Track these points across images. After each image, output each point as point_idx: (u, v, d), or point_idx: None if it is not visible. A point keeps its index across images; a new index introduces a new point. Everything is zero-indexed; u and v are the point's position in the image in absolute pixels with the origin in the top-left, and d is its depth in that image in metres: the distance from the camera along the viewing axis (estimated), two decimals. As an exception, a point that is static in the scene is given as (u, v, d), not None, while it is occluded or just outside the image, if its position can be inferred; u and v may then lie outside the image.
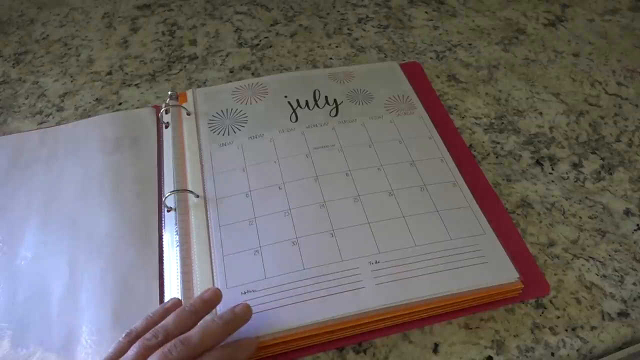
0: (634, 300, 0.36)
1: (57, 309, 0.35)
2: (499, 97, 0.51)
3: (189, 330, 0.29)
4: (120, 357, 0.28)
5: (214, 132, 0.44)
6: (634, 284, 0.36)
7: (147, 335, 0.29)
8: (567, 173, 0.44)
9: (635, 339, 0.35)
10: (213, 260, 0.35)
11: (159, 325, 0.30)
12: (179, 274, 0.35)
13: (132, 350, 0.28)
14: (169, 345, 0.28)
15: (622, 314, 0.35)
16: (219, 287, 0.33)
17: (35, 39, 0.59)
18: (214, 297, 0.32)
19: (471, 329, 0.34)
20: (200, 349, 0.28)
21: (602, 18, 0.61)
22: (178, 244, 0.36)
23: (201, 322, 0.30)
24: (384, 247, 0.35)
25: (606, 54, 0.56)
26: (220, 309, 0.33)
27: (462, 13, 0.62)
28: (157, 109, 0.48)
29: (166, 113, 0.46)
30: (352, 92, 0.48)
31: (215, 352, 0.29)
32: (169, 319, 0.30)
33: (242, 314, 0.31)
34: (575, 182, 0.43)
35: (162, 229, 0.39)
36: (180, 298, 0.33)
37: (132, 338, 0.29)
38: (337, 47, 0.57)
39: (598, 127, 0.48)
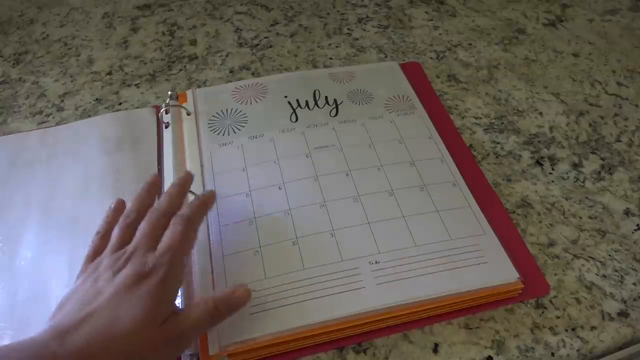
0: (634, 300, 0.36)
1: (57, 309, 0.35)
2: (499, 97, 0.51)
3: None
4: (100, 251, 0.31)
5: (214, 132, 0.44)
6: (634, 284, 0.36)
7: (122, 218, 0.32)
8: (567, 173, 0.44)
9: (635, 339, 0.35)
10: (213, 260, 0.35)
11: (128, 207, 0.33)
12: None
13: (114, 232, 0.31)
14: (147, 214, 0.32)
15: (622, 314, 0.35)
16: (219, 287, 0.34)
17: (35, 39, 0.59)
18: (156, 181, 0.36)
19: (471, 329, 0.34)
20: (173, 207, 0.32)
21: (602, 18, 0.61)
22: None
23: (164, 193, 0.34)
24: (384, 247, 0.35)
25: (606, 54, 0.56)
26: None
27: (462, 13, 0.62)
28: (157, 109, 0.48)
29: (166, 113, 0.46)
30: (352, 92, 0.48)
31: (190, 204, 0.33)
32: (135, 200, 0.33)
33: (187, 177, 0.36)
34: (575, 182, 0.43)
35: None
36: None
37: (103, 234, 0.33)
38: (337, 47, 0.57)
39: (598, 127, 0.48)
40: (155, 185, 0.36)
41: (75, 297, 0.28)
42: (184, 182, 0.36)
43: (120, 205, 0.35)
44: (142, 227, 0.31)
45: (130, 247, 0.30)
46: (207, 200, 0.35)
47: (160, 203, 0.33)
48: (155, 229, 0.31)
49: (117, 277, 0.28)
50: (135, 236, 0.31)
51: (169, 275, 0.29)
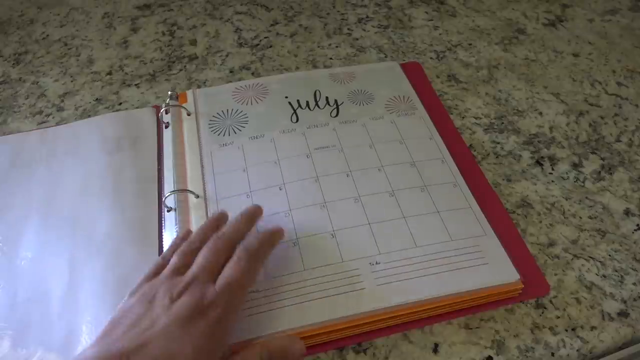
0: (634, 300, 0.36)
1: (57, 309, 0.35)
2: (499, 97, 0.51)
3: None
4: (161, 271, 0.30)
5: (214, 133, 0.44)
6: (634, 284, 0.37)
7: (183, 244, 0.32)
8: (567, 173, 0.44)
9: (635, 339, 0.35)
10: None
11: (200, 227, 0.33)
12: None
13: (174, 257, 0.31)
14: (211, 239, 0.31)
15: (622, 314, 0.35)
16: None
17: (35, 39, 0.59)
18: (256, 212, 0.35)
19: (471, 329, 0.34)
20: (237, 237, 0.32)
21: (602, 18, 0.61)
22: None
23: (231, 219, 0.34)
24: (384, 247, 0.35)
25: (606, 54, 0.56)
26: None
27: (462, 13, 0.62)
28: (157, 109, 0.48)
29: (166, 113, 0.46)
30: (352, 92, 0.48)
31: (257, 237, 0.32)
32: (207, 222, 0.34)
33: (257, 211, 0.35)
34: (575, 182, 0.43)
35: (162, 229, 0.39)
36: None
37: (167, 260, 0.31)
38: (337, 47, 0.57)
39: (598, 127, 0.48)
40: (222, 220, 0.35)
41: (128, 320, 0.27)
42: (254, 213, 0.35)
43: (187, 235, 0.34)
44: (204, 253, 0.30)
45: (189, 273, 0.29)
46: (277, 234, 0.34)
47: (225, 229, 0.32)
48: (216, 256, 0.30)
49: (174, 305, 0.27)
50: (196, 261, 0.30)
51: (226, 314, 0.28)
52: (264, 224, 0.36)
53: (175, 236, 0.35)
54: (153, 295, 0.28)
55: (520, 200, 0.42)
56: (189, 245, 0.32)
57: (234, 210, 0.38)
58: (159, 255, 0.37)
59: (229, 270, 0.29)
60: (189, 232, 0.35)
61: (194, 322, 0.26)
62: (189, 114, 0.46)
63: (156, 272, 0.31)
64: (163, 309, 0.27)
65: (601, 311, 0.35)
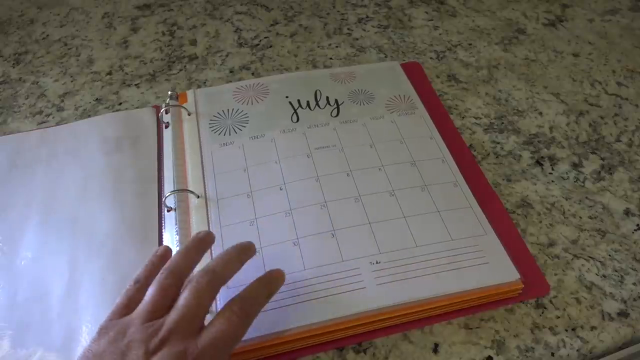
0: (634, 300, 0.36)
1: (57, 309, 0.35)
2: (499, 97, 0.51)
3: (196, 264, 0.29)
4: (134, 303, 0.27)
5: (214, 132, 0.44)
6: (634, 284, 0.37)
7: (159, 275, 0.27)
8: (567, 173, 0.44)
9: (635, 339, 0.35)
10: (213, 261, 0.35)
11: (166, 266, 0.28)
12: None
13: (150, 290, 0.27)
14: (194, 277, 0.27)
15: (622, 314, 0.35)
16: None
17: (35, 39, 0.59)
18: (208, 238, 0.32)
19: (471, 329, 0.34)
20: (225, 276, 0.28)
21: (602, 18, 0.61)
22: (178, 244, 0.36)
23: (218, 255, 0.30)
24: (384, 247, 0.35)
25: (606, 54, 0.56)
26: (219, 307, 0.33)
27: (462, 13, 0.62)
28: (157, 109, 0.48)
29: (166, 113, 0.46)
30: (353, 92, 0.48)
31: (255, 287, 0.29)
32: (175, 259, 0.29)
33: (249, 245, 0.31)
34: (575, 182, 0.43)
35: (162, 229, 0.39)
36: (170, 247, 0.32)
37: (141, 285, 0.28)
38: (337, 47, 0.57)
39: (598, 127, 0.48)
40: (206, 242, 0.31)
41: None
42: (245, 249, 0.31)
43: (166, 254, 0.31)
44: (187, 298, 0.26)
45: (169, 321, 0.25)
46: (277, 281, 0.30)
47: (213, 269, 0.28)
48: (199, 305, 0.26)
49: None
50: (176, 307, 0.26)
51: None
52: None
53: (152, 253, 0.31)
54: (127, 344, 0.25)
55: (520, 200, 0.42)
56: (166, 278, 0.27)
57: (235, 210, 0.38)
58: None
59: (217, 326, 0.26)
60: (167, 250, 0.31)
61: None
62: (189, 114, 0.46)
63: (128, 304, 0.27)
64: None
65: (601, 311, 0.35)
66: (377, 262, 0.35)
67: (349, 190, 0.39)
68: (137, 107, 0.50)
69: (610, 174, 0.44)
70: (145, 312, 0.26)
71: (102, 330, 0.26)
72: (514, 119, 0.49)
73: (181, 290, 0.27)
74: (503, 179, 0.43)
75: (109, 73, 0.54)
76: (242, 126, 0.44)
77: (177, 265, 0.28)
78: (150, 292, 0.27)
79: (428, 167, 0.41)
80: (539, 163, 0.45)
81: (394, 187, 0.39)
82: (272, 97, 0.47)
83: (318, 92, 0.48)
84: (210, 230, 0.37)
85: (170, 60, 0.56)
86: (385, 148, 0.42)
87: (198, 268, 0.30)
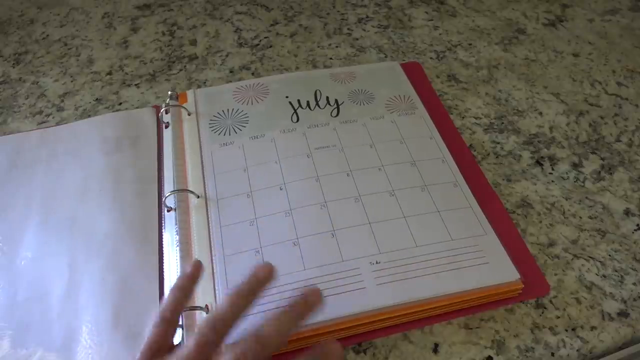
0: (634, 300, 0.36)
1: (57, 309, 0.35)
2: (499, 97, 0.51)
3: (242, 311, 0.26)
4: (161, 345, 0.26)
5: (214, 132, 0.44)
6: (634, 284, 0.37)
7: (201, 327, 0.25)
8: (567, 173, 0.44)
9: (635, 339, 0.35)
10: (214, 261, 0.35)
11: (209, 316, 0.26)
12: (179, 274, 0.35)
13: (189, 345, 0.25)
14: (241, 345, 0.25)
15: (622, 314, 0.35)
16: (220, 288, 0.34)
17: (35, 39, 0.59)
18: (267, 275, 0.28)
19: (471, 329, 0.34)
20: (275, 346, 0.25)
21: (602, 18, 0.61)
22: (178, 244, 0.36)
23: (272, 314, 0.27)
24: (384, 247, 0.35)
25: (606, 54, 0.56)
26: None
27: (462, 13, 0.62)
28: (157, 109, 0.48)
29: (166, 113, 0.46)
30: (353, 92, 0.48)
31: (260, 339, 0.25)
32: (222, 306, 0.26)
33: (315, 300, 0.28)
34: (575, 182, 0.43)
35: (162, 229, 0.39)
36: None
37: (168, 322, 0.27)
38: (337, 47, 0.57)
39: (598, 127, 0.48)
40: (261, 283, 0.28)
41: None
42: (258, 285, 0.28)
43: (196, 270, 0.29)
44: (190, 347, 0.25)
45: None
46: (281, 339, 0.26)
47: (219, 314, 0.26)
48: (204, 351, 0.25)
49: None
50: (177, 356, 0.25)
51: None
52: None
53: (181, 273, 0.29)
54: None
55: (520, 200, 0.42)
56: (207, 334, 0.25)
57: (235, 210, 0.38)
58: (158, 254, 0.37)
59: None
60: (198, 266, 0.29)
61: None
62: (189, 114, 0.46)
63: (157, 347, 0.26)
64: None
65: (601, 311, 0.35)
66: (377, 262, 0.35)
67: (349, 190, 0.39)
68: (137, 107, 0.50)
69: (610, 174, 0.44)
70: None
71: None
72: (514, 119, 0.49)
73: (224, 351, 0.25)
74: (503, 179, 0.43)
75: (109, 73, 0.54)
76: (242, 126, 0.44)
77: (220, 317, 0.26)
78: (188, 347, 0.25)
79: (428, 167, 0.41)
80: (539, 163, 0.45)
81: (394, 187, 0.39)
82: (272, 97, 0.47)
83: (318, 92, 0.48)
84: (210, 230, 0.37)
85: (170, 60, 0.56)
86: (385, 148, 0.42)
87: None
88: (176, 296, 0.29)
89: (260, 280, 0.28)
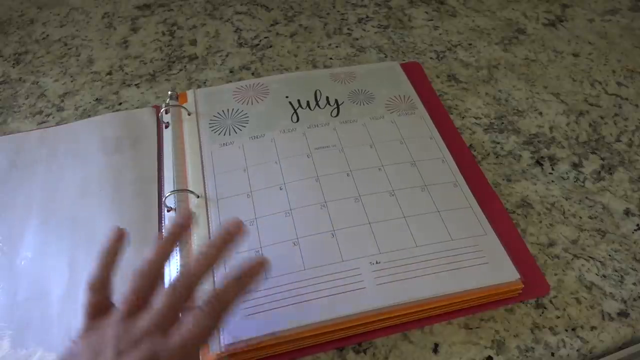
0: (634, 300, 0.36)
1: (57, 309, 0.35)
2: (499, 97, 0.51)
3: (213, 266, 0.28)
4: (98, 309, 0.28)
5: (214, 132, 0.44)
6: (634, 284, 0.37)
7: (133, 275, 0.28)
8: (567, 173, 0.44)
9: (635, 339, 0.35)
10: (213, 261, 0.35)
11: (141, 262, 0.28)
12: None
13: (125, 292, 0.27)
14: (171, 281, 0.27)
15: (622, 314, 0.35)
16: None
17: (35, 39, 0.59)
18: (188, 220, 0.31)
19: (471, 329, 0.34)
20: (201, 275, 0.28)
21: (602, 18, 0.61)
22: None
23: (199, 249, 0.29)
24: (384, 247, 0.35)
25: (606, 54, 0.56)
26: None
27: (462, 13, 0.62)
28: (157, 109, 0.48)
29: (166, 113, 0.46)
30: (353, 92, 0.48)
31: (229, 285, 0.27)
32: (149, 254, 0.29)
33: (235, 230, 0.29)
34: (575, 182, 0.43)
35: (162, 229, 0.39)
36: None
37: (98, 288, 0.28)
38: (337, 47, 0.57)
39: (598, 127, 0.48)
40: (184, 228, 0.30)
41: None
42: (228, 238, 0.29)
43: (118, 237, 0.30)
44: (161, 300, 0.26)
45: (142, 325, 0.26)
46: (249, 281, 0.28)
47: (189, 268, 0.28)
48: (176, 304, 0.26)
49: None
50: (150, 309, 0.26)
51: None
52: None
53: (101, 247, 0.30)
54: (101, 344, 0.25)
55: (520, 200, 0.42)
56: (140, 279, 0.27)
57: (235, 210, 0.38)
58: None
59: (187, 327, 0.26)
60: (120, 233, 0.31)
61: None
62: (189, 114, 0.46)
63: (95, 306, 0.28)
64: None
65: (601, 311, 0.35)
66: (377, 262, 0.35)
67: (349, 190, 0.39)
68: (137, 107, 0.50)
69: (610, 174, 0.44)
70: (121, 313, 0.27)
71: (81, 332, 0.27)
72: (514, 119, 0.49)
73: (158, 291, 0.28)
74: (503, 179, 0.43)
75: (109, 73, 0.54)
76: (242, 126, 0.44)
77: (150, 262, 0.28)
78: (125, 293, 0.27)
79: (428, 167, 0.41)
80: (539, 163, 0.45)
81: (394, 187, 0.39)
82: (272, 97, 0.47)
83: (318, 92, 0.48)
84: (210, 230, 0.37)
85: (170, 60, 0.56)
86: (385, 148, 0.42)
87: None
88: (105, 260, 0.30)
89: (231, 234, 0.29)
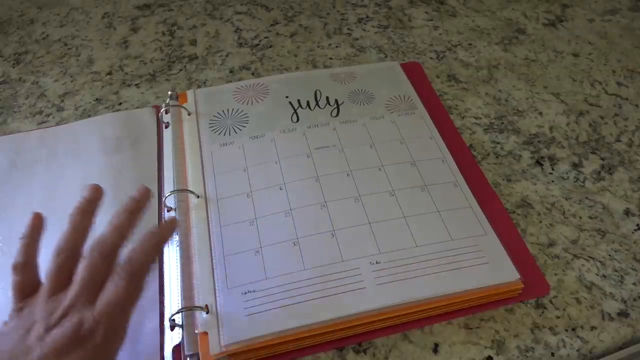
0: (634, 300, 0.36)
1: (57, 309, 0.35)
2: (499, 97, 0.51)
3: (127, 232, 0.30)
4: (25, 290, 0.28)
5: (214, 132, 0.44)
6: (634, 284, 0.37)
7: (54, 252, 0.29)
8: (567, 173, 0.44)
9: (635, 339, 0.35)
10: (213, 261, 0.35)
11: (59, 240, 0.29)
12: (179, 273, 0.35)
13: (47, 269, 0.28)
14: (87, 252, 0.28)
15: (622, 314, 0.35)
16: (220, 288, 0.34)
17: (35, 39, 0.59)
18: (96, 193, 0.32)
19: (471, 329, 0.34)
20: (117, 243, 0.29)
21: (602, 18, 0.61)
22: (178, 243, 0.36)
23: (109, 220, 0.30)
24: (384, 247, 0.35)
25: (606, 54, 0.56)
26: (221, 308, 0.33)
27: (462, 13, 0.62)
28: (157, 109, 0.48)
29: (166, 113, 0.46)
30: (353, 92, 0.48)
31: (141, 246, 0.29)
32: (66, 232, 0.30)
33: (143, 195, 0.31)
34: (575, 182, 0.43)
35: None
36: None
37: (23, 265, 0.29)
38: (337, 47, 0.57)
39: (598, 127, 0.48)
40: (93, 202, 0.31)
41: (6, 352, 0.26)
42: (136, 205, 0.31)
43: (37, 221, 0.31)
44: (81, 272, 0.27)
45: (67, 299, 0.27)
46: (160, 240, 0.30)
47: (103, 238, 0.29)
48: (95, 275, 0.27)
49: (49, 335, 0.25)
50: (74, 282, 0.27)
51: (107, 340, 0.26)
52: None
53: (28, 222, 0.31)
54: (30, 322, 0.26)
55: (520, 200, 0.42)
56: (59, 257, 0.28)
57: (235, 210, 0.38)
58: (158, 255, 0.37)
59: (108, 292, 0.27)
60: (38, 217, 0.31)
61: (71, 352, 0.25)
62: (189, 114, 0.46)
63: (20, 288, 0.29)
64: (38, 339, 0.25)
65: (601, 311, 0.35)
66: (377, 262, 0.35)
67: (349, 190, 0.39)
68: (137, 107, 0.50)
69: (610, 174, 0.44)
70: (46, 291, 0.28)
71: (10, 317, 0.28)
72: (514, 119, 0.49)
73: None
74: (503, 179, 0.43)
75: (109, 73, 0.54)
76: (242, 126, 0.44)
77: (67, 240, 0.29)
78: (49, 271, 0.28)
79: (428, 167, 0.41)
80: (539, 163, 0.45)
81: (394, 187, 0.39)
82: (272, 97, 0.47)
83: (318, 92, 0.48)
84: (210, 230, 0.37)
85: (170, 60, 0.56)
86: (385, 148, 0.42)
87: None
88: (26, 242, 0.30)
89: (139, 200, 0.31)
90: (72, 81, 0.54)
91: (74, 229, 0.30)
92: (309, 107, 0.46)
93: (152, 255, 0.29)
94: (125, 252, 0.29)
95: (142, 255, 0.28)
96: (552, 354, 0.33)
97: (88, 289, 0.27)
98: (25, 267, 0.29)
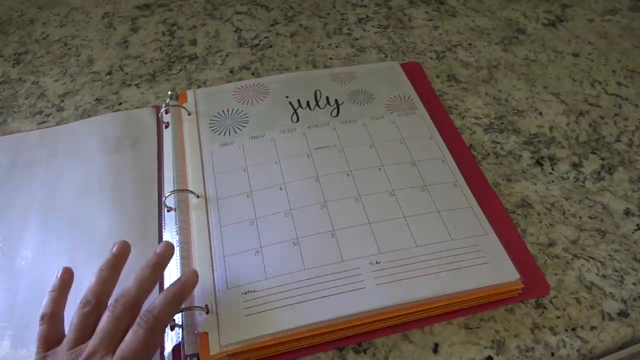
0: (634, 300, 0.36)
1: (57, 309, 0.35)
2: (499, 97, 0.51)
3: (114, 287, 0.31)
4: (51, 340, 0.29)
5: (214, 132, 0.44)
6: (634, 284, 0.37)
7: (80, 304, 0.30)
8: (567, 173, 0.44)
9: (635, 339, 0.35)
10: (213, 261, 0.35)
11: (86, 293, 0.31)
12: (179, 274, 0.35)
13: (73, 320, 0.29)
14: (111, 303, 0.29)
15: (622, 314, 0.35)
16: (220, 288, 0.34)
17: (35, 39, 0.59)
18: (123, 250, 0.33)
19: (471, 329, 0.34)
20: (140, 297, 0.30)
21: (602, 18, 0.61)
22: (178, 244, 0.36)
23: (134, 274, 0.31)
24: (384, 247, 0.35)
25: (606, 54, 0.56)
26: (221, 308, 0.33)
27: (462, 13, 0.62)
28: (157, 109, 0.48)
29: (166, 113, 0.46)
30: (353, 92, 0.48)
31: (162, 297, 0.30)
32: (93, 285, 0.31)
33: (166, 251, 0.33)
34: (575, 182, 0.43)
35: (162, 229, 0.39)
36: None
37: (50, 317, 0.30)
38: (337, 47, 0.57)
39: (598, 127, 0.48)
40: (121, 258, 0.33)
41: None
42: (162, 259, 0.32)
43: (67, 276, 0.32)
44: (104, 323, 0.29)
45: (89, 348, 0.28)
46: (182, 292, 0.31)
47: (127, 291, 0.30)
48: (117, 326, 0.29)
49: None
50: (96, 332, 0.28)
51: None
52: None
53: (55, 277, 0.33)
54: None
55: (520, 200, 0.42)
56: (83, 309, 0.30)
57: (235, 210, 0.38)
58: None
59: (127, 341, 0.28)
60: (68, 272, 0.33)
61: None
62: (189, 114, 0.46)
63: (46, 338, 0.29)
64: None
65: (601, 311, 0.35)
66: (377, 262, 0.35)
67: (349, 190, 0.39)
68: (137, 107, 0.50)
69: (610, 174, 0.44)
70: (69, 342, 0.29)
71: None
72: (514, 119, 0.49)
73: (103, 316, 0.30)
74: (503, 179, 0.43)
75: (109, 73, 0.54)
76: (242, 126, 0.44)
77: (93, 292, 0.31)
78: (73, 322, 0.30)
79: (428, 167, 0.41)
80: (539, 163, 0.45)
81: (394, 187, 0.39)
82: (272, 97, 0.47)
83: (318, 92, 0.48)
84: (210, 230, 0.37)
85: (170, 60, 0.56)
86: (385, 148, 0.42)
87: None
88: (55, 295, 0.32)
89: (164, 256, 0.33)
90: (72, 81, 0.54)
91: (100, 282, 0.31)
92: (309, 107, 0.46)
93: (173, 306, 0.30)
94: (148, 304, 0.30)
95: (163, 307, 0.29)
96: (552, 354, 0.33)
97: (109, 339, 0.28)
98: (52, 318, 0.30)
